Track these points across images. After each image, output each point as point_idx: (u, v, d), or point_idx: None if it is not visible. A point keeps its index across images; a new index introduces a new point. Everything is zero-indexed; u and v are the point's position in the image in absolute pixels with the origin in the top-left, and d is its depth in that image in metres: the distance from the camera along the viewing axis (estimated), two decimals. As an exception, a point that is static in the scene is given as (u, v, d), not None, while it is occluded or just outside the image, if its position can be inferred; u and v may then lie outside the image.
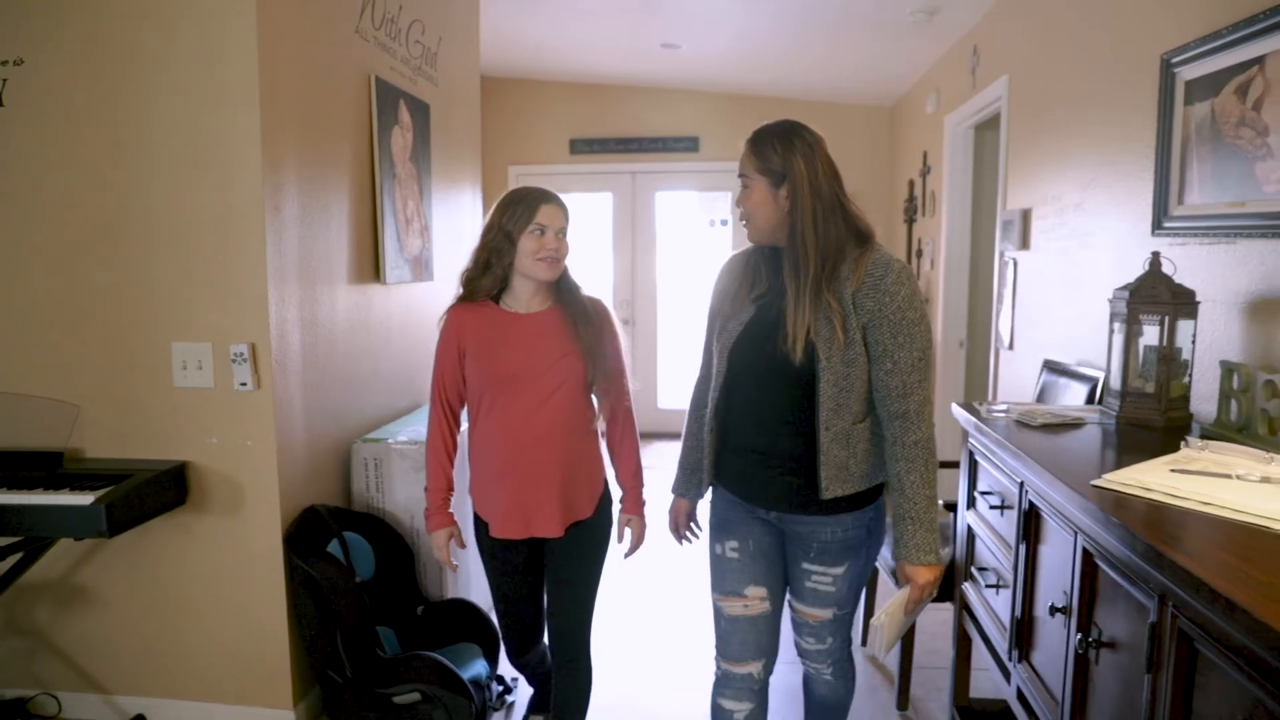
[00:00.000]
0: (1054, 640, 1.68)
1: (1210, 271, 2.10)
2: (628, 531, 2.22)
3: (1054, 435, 1.97)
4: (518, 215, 2.02)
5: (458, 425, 2.16)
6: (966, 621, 2.34)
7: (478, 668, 2.68)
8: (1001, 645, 2.01)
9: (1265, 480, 1.46)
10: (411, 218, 3.39)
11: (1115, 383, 2.11)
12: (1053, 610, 1.65)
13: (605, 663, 3.11)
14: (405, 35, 3.35)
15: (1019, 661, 1.88)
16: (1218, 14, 2.04)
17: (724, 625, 1.91)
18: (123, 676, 2.66)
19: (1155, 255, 2.04)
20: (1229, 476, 1.49)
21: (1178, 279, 2.03)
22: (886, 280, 1.64)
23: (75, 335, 2.53)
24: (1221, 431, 1.89)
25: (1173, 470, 1.55)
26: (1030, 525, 1.82)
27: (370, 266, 3.08)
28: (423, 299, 3.55)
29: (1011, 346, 3.55)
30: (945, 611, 3.03)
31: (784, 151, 1.67)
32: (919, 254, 5.34)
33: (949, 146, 4.57)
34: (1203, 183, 2.11)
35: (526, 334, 2.06)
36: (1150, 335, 2.05)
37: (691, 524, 2.10)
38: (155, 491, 2.39)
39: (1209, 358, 2.10)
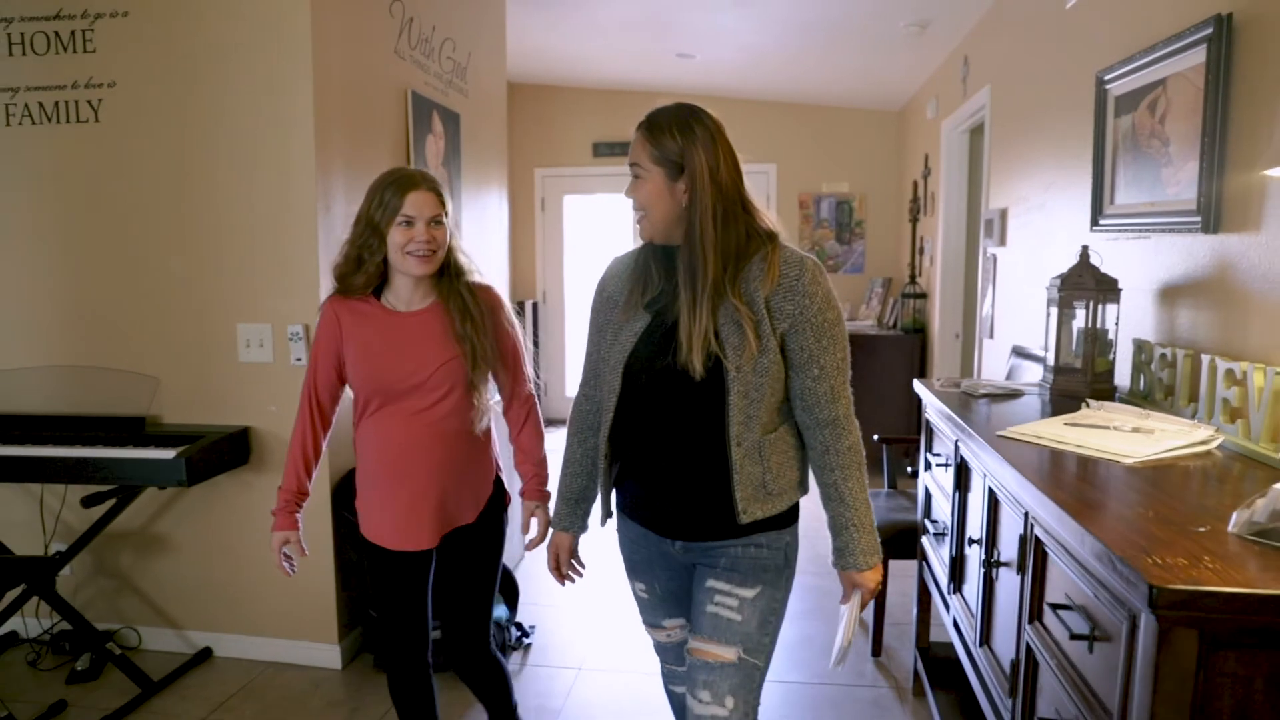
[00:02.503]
0: (974, 568, 2.01)
1: (1132, 262, 2.40)
2: (534, 521, 2.07)
3: (994, 404, 2.28)
4: (384, 205, 1.85)
5: (326, 427, 2.02)
6: (926, 573, 2.66)
7: (499, 611, 3.05)
8: (944, 583, 2.34)
9: (1135, 430, 1.78)
10: (443, 217, 3.77)
11: (1050, 360, 2.42)
12: (971, 542, 1.98)
13: (615, 660, 3.46)
14: (438, 52, 3.73)
15: (954, 593, 2.21)
16: (1139, 37, 2.35)
17: (656, 644, 1.86)
18: (192, 613, 3.07)
19: (1084, 248, 2.35)
20: (1107, 428, 1.81)
21: (1111, 269, 2.33)
22: (803, 280, 1.49)
23: (155, 317, 2.94)
24: (1132, 399, 2.20)
25: (1066, 424, 1.87)
26: (961, 477, 2.15)
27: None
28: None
29: (992, 335, 3.85)
30: (910, 565, 3.34)
31: (683, 139, 1.48)
32: (921, 251, 5.64)
33: (945, 150, 4.87)
34: (1127, 185, 2.42)
35: (407, 336, 1.91)
36: (1080, 318, 2.36)
37: (574, 561, 1.85)
38: (223, 451, 2.79)
39: (1131, 337, 2.40)
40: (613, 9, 4.66)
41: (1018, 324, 3.47)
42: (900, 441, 3.31)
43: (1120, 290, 2.30)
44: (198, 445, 2.67)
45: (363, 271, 1.89)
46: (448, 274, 1.95)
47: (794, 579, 1.65)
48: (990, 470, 1.83)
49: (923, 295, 5.46)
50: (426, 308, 1.94)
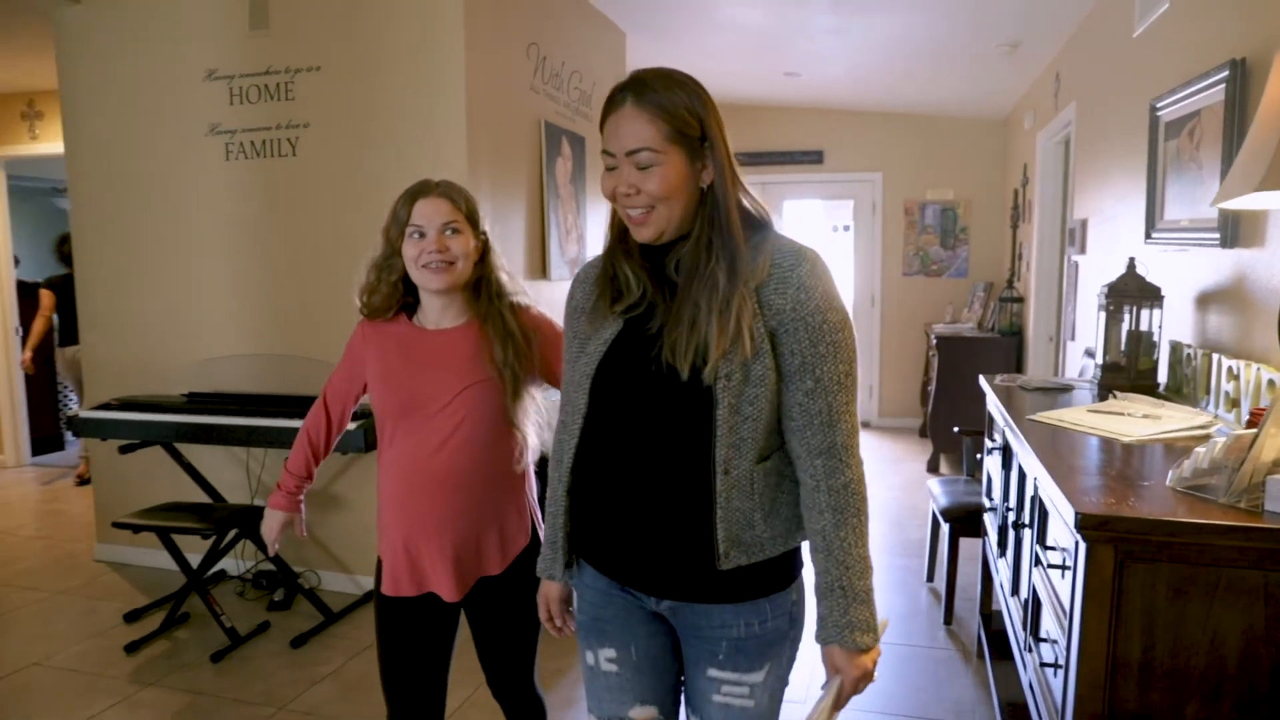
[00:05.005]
0: (1010, 533, 2.36)
1: (1176, 272, 2.68)
2: None
3: (1043, 396, 2.61)
4: (396, 218, 1.74)
5: (336, 429, 1.94)
6: (985, 546, 2.99)
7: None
8: (994, 550, 2.68)
9: (1145, 416, 2.10)
10: (570, 229, 4.31)
11: (1099, 358, 2.72)
12: (1008, 510, 2.33)
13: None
14: (566, 84, 4.27)
15: (999, 557, 2.56)
16: (1182, 72, 2.62)
17: None
18: (362, 560, 3.70)
19: (1131, 259, 2.65)
20: (1122, 414, 2.13)
21: (1159, 278, 2.62)
22: (799, 271, 1.25)
23: (335, 314, 3.58)
24: (1167, 393, 2.49)
25: (1089, 411, 2.20)
26: (1006, 457, 2.49)
27: (539, 266, 4.02)
28: (576, 293, 4.51)
29: (1074, 337, 4.09)
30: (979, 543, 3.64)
31: (701, 108, 1.26)
32: (1019, 257, 5.83)
33: (1040, 160, 5.08)
34: (1172, 202, 2.69)
35: (430, 355, 1.76)
36: (1129, 322, 2.66)
37: (569, 613, 1.53)
38: (391, 425, 3.39)
39: (1170, 339, 2.68)
40: (724, 35, 5.09)
41: (1093, 327, 3.71)
42: (973, 433, 3.62)
43: (1163, 297, 2.59)
44: (372, 419, 3.28)
45: (380, 292, 1.80)
46: (486, 293, 1.79)
47: (803, 625, 1.41)
48: (1016, 447, 2.19)
49: (1019, 299, 5.65)
50: (458, 327, 1.78)
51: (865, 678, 1.27)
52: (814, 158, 7.30)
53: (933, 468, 5.74)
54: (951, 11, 4.19)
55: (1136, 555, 1.38)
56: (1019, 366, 5.53)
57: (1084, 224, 3.92)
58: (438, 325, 1.79)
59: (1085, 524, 1.38)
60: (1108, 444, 1.91)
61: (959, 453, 5.41)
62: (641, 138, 1.24)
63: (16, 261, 6.19)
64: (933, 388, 5.82)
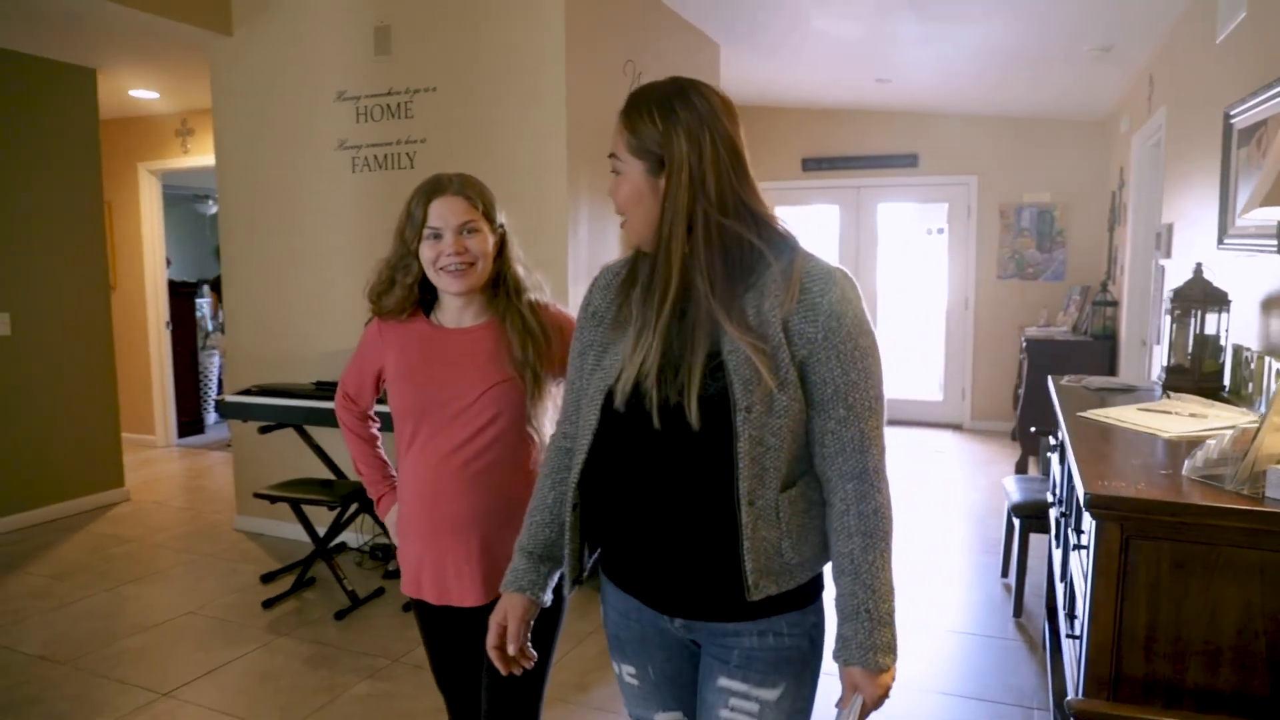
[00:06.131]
0: (1060, 524, 2.49)
1: (1246, 278, 2.73)
2: None
3: (1106, 395, 2.72)
4: (411, 218, 1.69)
5: (361, 419, 1.91)
6: (1050, 541, 3.09)
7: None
8: (1054, 542, 2.80)
9: (1191, 415, 2.21)
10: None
11: (1165, 361, 2.80)
12: (1059, 503, 2.46)
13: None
14: (660, 98, 4.53)
15: (1057, 548, 2.68)
16: (1258, 78, 2.68)
17: None
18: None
19: (1198, 265, 2.72)
20: (1169, 413, 2.24)
21: (1229, 283, 2.68)
22: (829, 297, 1.21)
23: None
24: (1230, 396, 2.56)
25: (1138, 409, 2.32)
26: (1063, 453, 2.62)
27: (630, 269, 4.30)
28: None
29: (1159, 341, 4.10)
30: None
31: (663, 124, 1.21)
32: (1113, 260, 5.77)
33: (1135, 163, 5.04)
34: (1242, 209, 2.75)
35: (453, 355, 1.71)
36: (1195, 325, 2.73)
37: (525, 636, 1.42)
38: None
39: (1234, 343, 2.73)
40: (816, 45, 5.26)
41: (1178, 331, 3.74)
42: (1047, 433, 3.69)
43: (1230, 302, 2.65)
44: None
45: (393, 294, 1.75)
46: (504, 290, 1.74)
47: (821, 666, 1.35)
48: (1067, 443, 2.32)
49: (1113, 303, 5.60)
50: (479, 325, 1.74)
51: (882, 696, 1.26)
52: (908, 161, 7.34)
53: (1020, 470, 5.75)
54: (1035, 19, 4.26)
55: (1142, 533, 1.54)
56: (1111, 370, 5.49)
57: (1170, 228, 3.93)
58: (458, 324, 1.75)
59: (1094, 503, 1.55)
60: (1147, 439, 2.03)
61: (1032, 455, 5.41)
62: (613, 144, 1.28)
63: (168, 263, 6.89)
64: (1022, 390, 5.82)
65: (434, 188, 1.69)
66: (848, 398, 1.23)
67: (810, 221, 7.75)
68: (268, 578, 3.92)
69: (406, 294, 1.74)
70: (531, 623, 1.43)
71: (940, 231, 7.49)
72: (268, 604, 3.62)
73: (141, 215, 6.52)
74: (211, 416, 7.44)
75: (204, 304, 7.62)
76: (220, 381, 7.30)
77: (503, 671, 1.43)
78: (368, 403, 1.90)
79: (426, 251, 1.67)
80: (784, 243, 1.26)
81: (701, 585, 1.26)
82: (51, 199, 4.82)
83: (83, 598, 3.73)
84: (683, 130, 1.21)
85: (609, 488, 1.31)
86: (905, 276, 7.67)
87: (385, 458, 1.92)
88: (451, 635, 1.81)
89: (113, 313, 5.27)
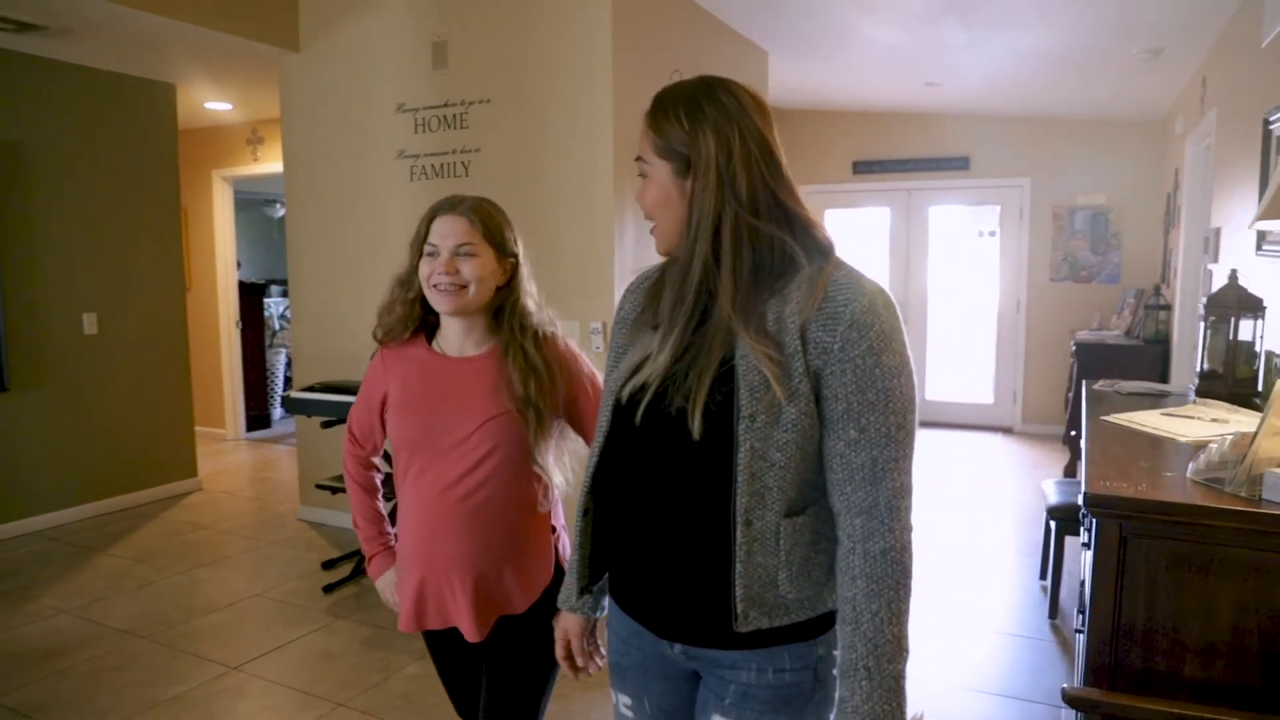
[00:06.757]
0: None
1: None
2: None
3: (1136, 400, 2.76)
4: (417, 234, 1.67)
5: (365, 466, 1.86)
6: (1083, 545, 3.13)
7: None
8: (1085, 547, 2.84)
9: (1213, 420, 2.25)
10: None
11: (1198, 366, 2.82)
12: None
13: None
14: (706, 106, 4.65)
15: (1085, 549, 2.72)
16: (1292, 89, 2.70)
17: None
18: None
19: (1233, 271, 2.74)
20: (1192, 418, 2.29)
21: (1268, 290, 2.70)
22: (853, 306, 1.10)
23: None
24: (1261, 403, 2.58)
25: (1162, 414, 2.37)
26: (1091, 455, 2.67)
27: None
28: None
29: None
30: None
31: (690, 123, 1.17)
32: (1167, 263, 5.70)
33: (1189, 165, 4.99)
34: (1277, 216, 2.76)
35: (451, 384, 1.67)
36: (1229, 332, 2.75)
37: (595, 648, 1.50)
38: (541, 411, 3.89)
39: (1275, 350, 2.74)
40: (863, 52, 5.32)
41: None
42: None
43: (1265, 308, 2.67)
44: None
45: (394, 313, 1.73)
46: (508, 322, 1.68)
47: (831, 703, 1.20)
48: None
49: (1166, 306, 5.54)
50: (480, 355, 1.69)
51: None
52: (960, 164, 7.32)
53: (1069, 474, 5.72)
54: (1078, 23, 4.26)
55: (1140, 532, 1.62)
56: (1163, 375, 5.42)
57: (1217, 232, 3.91)
58: (460, 352, 1.70)
59: (1093, 502, 1.63)
60: (1164, 443, 2.09)
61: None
62: (640, 147, 1.24)
63: (239, 265, 7.23)
64: (1072, 394, 5.79)
65: (440, 206, 1.68)
66: (861, 419, 1.10)
67: (861, 224, 7.78)
68: (328, 564, 4.14)
69: (407, 311, 1.71)
70: (592, 631, 1.47)
71: (992, 234, 7.44)
72: (328, 589, 3.84)
73: (215, 219, 6.88)
74: (277, 412, 7.78)
75: (271, 304, 7.97)
76: (286, 379, 7.64)
77: (574, 678, 1.50)
78: (376, 444, 1.84)
79: (423, 268, 1.65)
80: (819, 248, 1.18)
81: (694, 609, 1.19)
82: (134, 206, 5.14)
83: (160, 579, 4.01)
84: (710, 129, 1.15)
85: (614, 496, 1.27)
86: (956, 279, 7.64)
87: (384, 512, 1.87)
88: (462, 657, 1.79)
89: (187, 313, 5.59)
